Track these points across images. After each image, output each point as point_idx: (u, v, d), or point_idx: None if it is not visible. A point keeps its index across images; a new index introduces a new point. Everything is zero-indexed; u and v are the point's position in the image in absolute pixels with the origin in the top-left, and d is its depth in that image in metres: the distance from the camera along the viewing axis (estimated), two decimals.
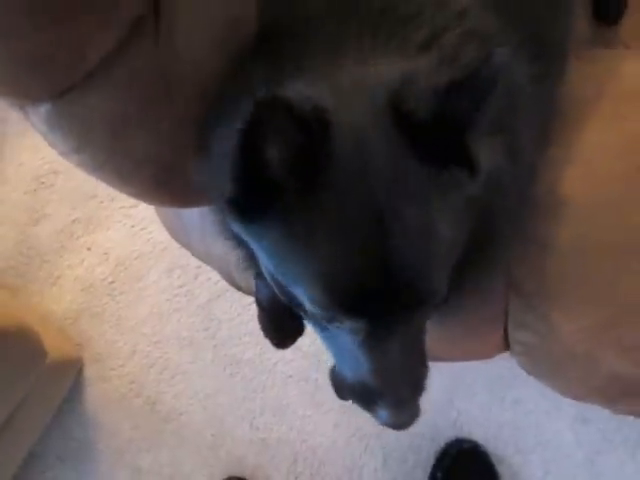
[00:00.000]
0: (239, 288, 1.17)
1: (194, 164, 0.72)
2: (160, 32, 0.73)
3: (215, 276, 1.68)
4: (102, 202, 1.84)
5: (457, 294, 0.78)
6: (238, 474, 1.63)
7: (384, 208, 0.58)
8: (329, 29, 0.69)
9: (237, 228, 0.66)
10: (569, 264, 0.88)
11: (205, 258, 1.20)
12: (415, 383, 0.67)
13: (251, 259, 0.77)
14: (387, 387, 0.65)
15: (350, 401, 1.04)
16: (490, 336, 1.01)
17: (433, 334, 0.98)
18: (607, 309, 0.88)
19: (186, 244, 1.20)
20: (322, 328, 0.68)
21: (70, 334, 1.73)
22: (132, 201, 1.80)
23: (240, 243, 0.76)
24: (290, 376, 1.65)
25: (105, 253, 1.80)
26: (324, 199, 0.58)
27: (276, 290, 0.70)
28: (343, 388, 0.73)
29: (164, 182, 0.83)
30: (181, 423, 1.66)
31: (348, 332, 0.64)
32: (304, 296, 0.63)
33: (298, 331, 1.08)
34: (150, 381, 1.70)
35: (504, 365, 1.50)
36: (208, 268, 1.66)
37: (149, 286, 1.76)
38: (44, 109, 0.72)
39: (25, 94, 0.72)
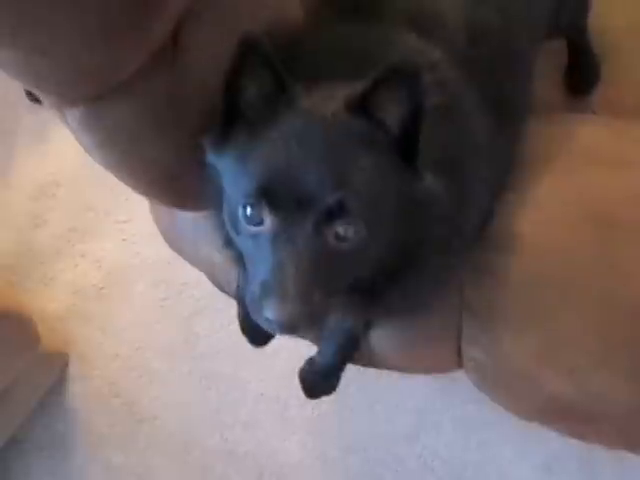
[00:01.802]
0: (222, 289, 1.25)
1: (196, 172, 0.84)
2: (176, 62, 0.87)
3: (198, 293, 1.81)
4: (98, 215, 1.94)
5: (412, 304, 0.93)
6: None
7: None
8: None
9: (212, 159, 0.80)
10: (517, 292, 1.01)
11: (194, 261, 1.29)
12: (305, 291, 0.70)
13: (237, 259, 0.88)
14: (278, 281, 0.70)
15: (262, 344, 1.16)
16: (444, 349, 1.11)
17: (391, 341, 1.11)
18: (549, 333, 1.00)
19: (178, 248, 1.30)
20: (247, 237, 0.76)
21: (57, 332, 1.81)
22: (125, 216, 1.92)
23: (228, 243, 0.87)
24: (262, 394, 1.71)
25: (97, 261, 1.90)
26: (272, 132, 0.75)
27: (229, 227, 0.80)
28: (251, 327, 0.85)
29: (169, 184, 0.96)
30: (155, 427, 1.73)
31: (265, 232, 0.74)
32: (243, 202, 0.75)
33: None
34: (129, 384, 1.77)
35: (473, 407, 1.58)
36: (192, 285, 1.81)
37: (135, 296, 1.85)
38: (78, 111, 0.85)
39: (68, 97, 0.84)
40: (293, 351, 1.66)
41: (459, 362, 1.11)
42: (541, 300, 1.00)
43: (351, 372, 1.18)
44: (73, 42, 0.77)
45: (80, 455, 1.74)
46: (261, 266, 0.73)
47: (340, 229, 0.72)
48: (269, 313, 0.70)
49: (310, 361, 1.23)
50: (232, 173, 0.78)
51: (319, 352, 1.20)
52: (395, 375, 1.47)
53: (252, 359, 1.74)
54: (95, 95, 0.84)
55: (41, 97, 0.88)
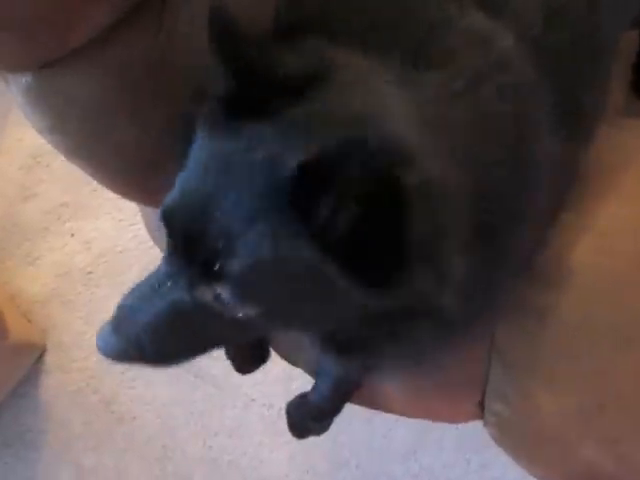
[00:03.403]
0: None
1: (174, 161, 0.68)
2: (163, 24, 0.71)
3: None
4: (95, 190, 1.82)
5: (414, 358, 0.76)
6: None
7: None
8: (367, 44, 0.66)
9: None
10: (564, 338, 0.84)
11: None
12: (140, 338, 0.64)
13: None
14: (122, 314, 0.65)
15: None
16: (463, 401, 0.97)
17: (401, 386, 0.96)
18: (596, 394, 0.83)
19: (160, 242, 1.16)
20: None
21: (36, 317, 1.71)
22: None
23: None
24: (253, 399, 1.62)
25: (88, 242, 1.79)
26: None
27: None
28: None
29: (143, 177, 0.81)
30: (133, 427, 1.63)
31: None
32: None
33: (262, 358, 1.08)
34: (110, 380, 1.67)
35: (476, 426, 1.48)
36: None
37: (127, 283, 1.65)
38: (25, 80, 0.70)
39: (8, 60, 0.69)
40: None
41: (478, 414, 0.97)
42: (592, 351, 0.83)
43: None
44: None
45: (50, 454, 1.64)
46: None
47: (221, 292, 0.59)
48: (98, 335, 0.66)
49: (301, 397, 1.13)
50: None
51: (313, 389, 1.09)
52: None
53: None
54: (46, 58, 0.69)
55: None
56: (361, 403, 1.06)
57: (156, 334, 0.63)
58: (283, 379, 1.61)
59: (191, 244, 0.58)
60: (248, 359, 1.10)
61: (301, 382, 1.60)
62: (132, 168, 0.80)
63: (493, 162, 0.64)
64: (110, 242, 1.78)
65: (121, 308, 0.65)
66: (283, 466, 1.58)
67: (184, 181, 0.60)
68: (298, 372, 1.58)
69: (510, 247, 0.70)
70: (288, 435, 1.58)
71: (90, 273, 1.76)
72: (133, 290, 0.66)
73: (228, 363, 1.62)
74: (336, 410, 1.07)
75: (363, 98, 0.59)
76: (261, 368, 1.59)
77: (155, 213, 1.07)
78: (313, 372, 1.07)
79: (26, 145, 1.89)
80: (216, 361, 1.61)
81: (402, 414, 1.07)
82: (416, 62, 0.63)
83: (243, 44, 0.56)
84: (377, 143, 0.52)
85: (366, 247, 0.51)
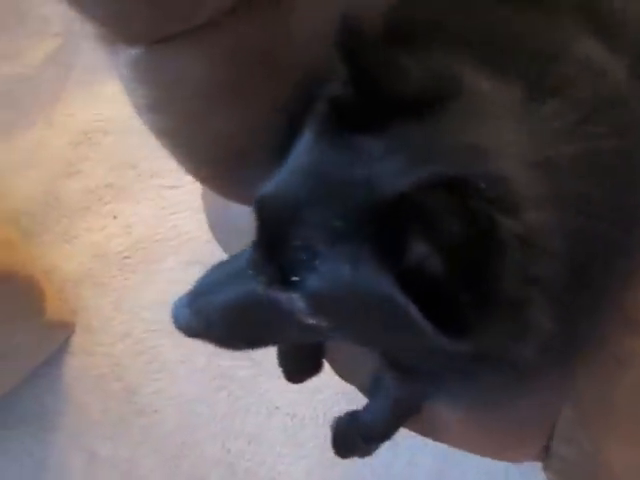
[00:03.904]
0: None
1: (268, 157, 0.66)
2: (280, 14, 0.67)
3: None
4: (140, 175, 1.81)
5: (502, 391, 0.72)
6: None
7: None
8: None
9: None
10: None
11: None
12: (212, 321, 0.67)
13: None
14: (202, 290, 0.68)
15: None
16: (528, 442, 0.92)
17: (463, 418, 0.92)
18: None
19: (222, 241, 1.15)
20: None
21: (67, 297, 1.68)
22: (171, 182, 1.78)
23: None
24: (277, 407, 1.58)
25: (128, 226, 1.77)
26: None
27: None
28: None
29: (230, 167, 0.78)
30: (152, 421, 1.60)
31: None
32: None
33: (315, 368, 1.06)
34: (134, 369, 1.64)
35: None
36: None
37: (162, 272, 1.72)
38: (135, 52, 0.67)
39: (131, 29, 0.65)
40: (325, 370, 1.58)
41: (540, 457, 0.91)
42: None
43: None
44: None
45: (64, 438, 1.61)
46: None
47: (296, 300, 0.59)
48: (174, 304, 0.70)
49: (352, 415, 1.10)
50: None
51: (367, 408, 1.06)
52: None
53: (274, 367, 1.58)
54: (164, 32, 0.65)
55: (91, 25, 0.67)
56: (415, 428, 1.02)
57: (225, 317, 0.66)
58: (309, 390, 1.57)
59: (275, 242, 0.57)
60: (300, 368, 1.09)
61: (327, 395, 1.58)
62: (222, 156, 0.76)
63: (601, 205, 0.60)
64: (150, 229, 1.76)
65: (200, 284, 0.69)
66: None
67: (282, 177, 0.58)
68: (325, 384, 1.55)
69: (604, 297, 0.66)
70: (308, 448, 1.57)
71: (126, 258, 1.73)
72: (214, 268, 0.69)
73: (257, 367, 1.61)
74: (388, 433, 1.04)
75: (482, 129, 0.55)
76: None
77: (222, 210, 1.09)
78: (367, 391, 1.04)
79: (77, 121, 1.88)
80: (244, 363, 1.62)
81: (458, 446, 1.03)
82: (533, 91, 0.59)
83: (370, 53, 0.53)
84: (486, 184, 0.49)
85: (452, 294, 0.47)
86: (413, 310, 0.48)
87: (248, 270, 0.62)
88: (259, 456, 1.55)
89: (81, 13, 0.64)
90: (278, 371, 1.57)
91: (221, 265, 0.68)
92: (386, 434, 1.04)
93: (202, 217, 1.71)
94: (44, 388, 1.63)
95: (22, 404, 1.62)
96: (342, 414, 1.15)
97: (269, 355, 1.58)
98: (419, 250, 0.47)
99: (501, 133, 0.55)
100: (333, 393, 1.57)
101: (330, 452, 1.51)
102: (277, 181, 0.59)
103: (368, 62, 0.53)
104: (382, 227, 0.49)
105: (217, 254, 1.63)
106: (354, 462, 1.51)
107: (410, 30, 0.64)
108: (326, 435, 1.49)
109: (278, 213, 0.57)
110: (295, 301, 0.58)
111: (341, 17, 0.53)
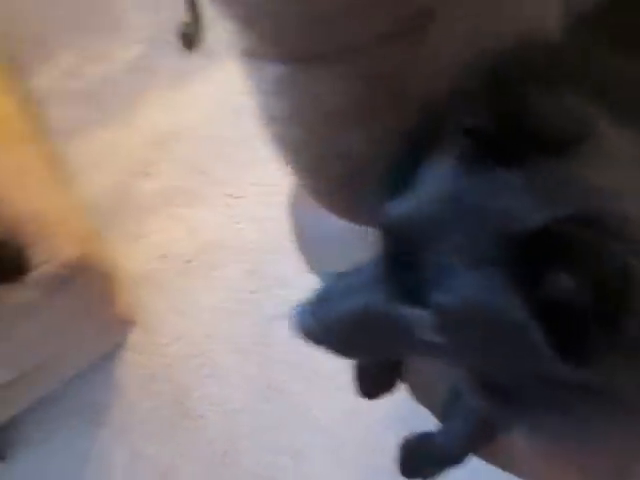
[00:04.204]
0: None
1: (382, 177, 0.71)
2: (426, 41, 0.70)
3: (289, 294, 1.68)
4: (209, 182, 1.87)
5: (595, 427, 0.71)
6: None
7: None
8: None
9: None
10: None
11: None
12: (332, 328, 0.69)
13: None
14: (326, 297, 0.69)
15: None
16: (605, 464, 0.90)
17: (545, 451, 0.91)
18: None
19: (307, 252, 1.20)
20: None
21: (129, 294, 1.72)
22: (238, 192, 1.84)
23: None
24: (321, 426, 1.59)
25: (194, 231, 1.82)
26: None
27: None
28: None
29: (346, 183, 0.81)
30: (197, 425, 1.62)
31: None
32: None
33: (389, 386, 1.08)
34: (185, 371, 1.67)
35: None
36: (285, 284, 1.70)
37: (222, 279, 1.75)
38: (281, 68, 0.71)
39: (280, 48, 0.70)
40: None
41: None
42: None
43: None
44: None
45: (108, 433, 1.65)
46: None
47: (420, 316, 0.61)
48: (297, 309, 0.71)
49: (423, 437, 1.12)
50: None
51: (442, 431, 1.07)
52: None
53: (324, 385, 1.63)
54: (315, 54, 0.69)
55: (239, 38, 0.72)
56: (488, 457, 1.02)
57: (344, 327, 0.68)
58: (354, 412, 1.58)
59: (407, 260, 0.60)
60: (375, 385, 1.10)
61: (372, 419, 1.58)
62: (342, 172, 0.79)
63: None
64: (214, 236, 1.80)
65: (322, 292, 0.70)
66: None
67: (417, 198, 0.61)
68: (370, 408, 1.54)
69: None
70: (349, 471, 1.57)
71: (189, 262, 1.77)
72: (336, 279, 0.70)
73: (306, 383, 1.61)
74: (460, 458, 1.04)
75: (609, 172, 0.57)
76: (336, 396, 1.60)
77: (311, 222, 1.12)
78: (441, 415, 1.05)
79: (153, 125, 1.96)
80: (293, 379, 1.63)
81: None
82: None
83: (513, 92, 0.57)
84: (623, 226, 0.52)
85: (585, 325, 0.50)
86: (540, 335, 0.52)
87: (371, 283, 0.64)
88: (300, 473, 1.56)
89: (242, 26, 0.68)
90: (325, 390, 1.62)
91: (342, 276, 0.70)
92: (459, 458, 1.05)
93: (265, 228, 1.76)
94: (96, 382, 1.67)
95: (73, 396, 1.66)
96: (411, 435, 1.16)
97: (318, 373, 1.62)
98: (559, 281, 0.49)
99: (626, 178, 0.57)
100: (378, 418, 1.57)
101: (373, 476, 1.53)
102: (411, 202, 0.61)
103: (511, 100, 0.56)
104: (520, 255, 0.52)
105: (276, 267, 1.70)
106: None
107: (540, 70, 0.67)
108: (370, 457, 1.54)
109: (411, 233, 0.59)
110: (421, 317, 0.59)
111: (482, 53, 0.57)
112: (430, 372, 0.97)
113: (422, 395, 1.07)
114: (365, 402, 1.48)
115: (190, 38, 2.05)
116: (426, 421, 1.46)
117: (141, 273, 1.75)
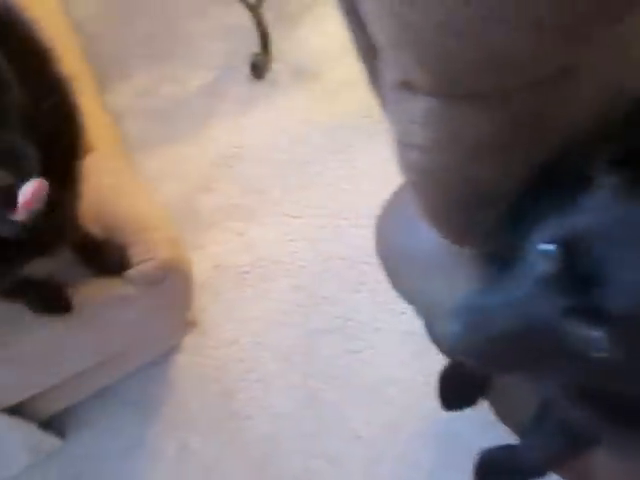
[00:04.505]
0: (434, 337, 1.18)
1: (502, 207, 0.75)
2: (573, 82, 0.75)
3: (334, 312, 1.80)
4: (267, 201, 1.98)
5: None
6: None
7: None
8: None
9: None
10: None
11: (408, 294, 1.20)
12: (481, 340, 0.66)
13: None
14: (475, 311, 0.67)
15: None
16: None
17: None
18: None
19: (391, 270, 1.21)
20: None
21: None
22: (294, 212, 1.95)
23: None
24: (359, 436, 1.65)
25: (250, 245, 1.92)
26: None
27: None
28: None
29: (470, 210, 0.85)
30: (243, 426, 1.69)
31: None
32: None
33: (473, 399, 1.15)
34: (234, 374, 1.75)
35: None
36: (331, 302, 1.81)
37: (274, 292, 1.85)
38: (432, 103, 0.76)
39: (445, 87, 0.74)
40: (408, 404, 1.66)
41: None
42: None
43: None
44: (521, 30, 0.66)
45: (161, 425, 1.73)
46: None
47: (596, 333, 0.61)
48: (446, 321, 0.69)
49: (507, 448, 1.17)
50: None
51: (525, 444, 1.11)
52: None
53: (362, 399, 1.70)
54: (470, 92, 0.74)
55: (400, 70, 0.78)
56: (565, 472, 1.06)
57: (500, 343, 0.66)
58: (391, 426, 1.64)
59: (582, 277, 0.60)
60: (458, 398, 1.18)
61: (408, 434, 1.63)
62: (468, 200, 0.84)
63: None
64: (269, 251, 1.90)
65: (474, 306, 0.68)
66: None
67: (587, 221, 0.63)
68: (406, 423, 1.60)
69: None
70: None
71: (245, 273, 1.87)
72: (485, 294, 0.69)
73: (346, 395, 1.71)
74: (540, 473, 1.08)
75: None
76: (374, 409, 1.68)
77: (398, 241, 1.17)
78: (521, 431, 1.09)
79: (219, 145, 2.08)
80: (333, 388, 1.71)
81: None
82: None
83: None
84: None
85: None
86: None
87: (536, 298, 0.63)
88: (336, 479, 1.62)
89: (412, 62, 0.73)
90: (365, 401, 1.69)
91: (491, 291, 0.69)
92: (540, 473, 1.08)
93: (317, 248, 1.88)
94: (151, 378, 1.76)
95: (131, 388, 1.75)
96: (493, 446, 1.19)
97: (359, 386, 1.70)
98: None
99: None
100: (414, 433, 1.63)
101: None
102: (582, 224, 0.62)
103: None
104: None
105: (323, 285, 1.82)
106: None
107: None
108: (404, 471, 1.59)
109: (592, 249, 0.60)
110: (594, 336, 0.60)
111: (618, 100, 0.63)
112: (515, 389, 0.99)
113: (504, 413, 1.12)
114: (404, 417, 1.55)
115: (258, 68, 2.18)
116: (465, 439, 1.53)
117: (198, 281, 1.81)
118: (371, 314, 1.80)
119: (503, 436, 1.32)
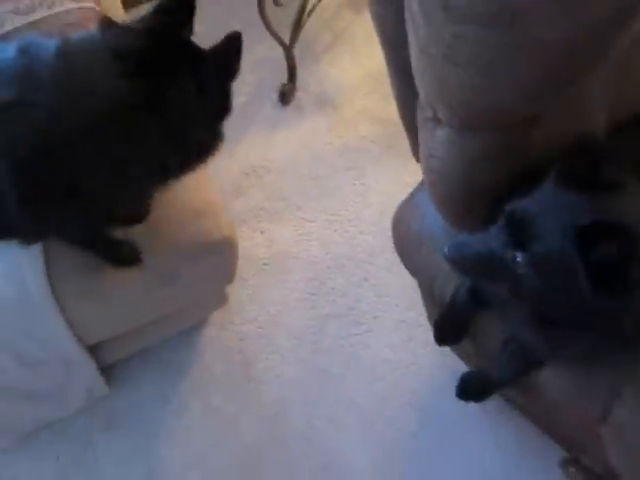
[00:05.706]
0: (431, 295, 1.47)
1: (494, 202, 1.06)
2: (538, 127, 1.07)
3: (341, 301, 2.02)
4: (288, 206, 2.22)
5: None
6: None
7: None
8: None
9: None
10: None
11: (413, 266, 1.50)
12: (467, 265, 1.05)
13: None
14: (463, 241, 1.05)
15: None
16: (594, 400, 1.21)
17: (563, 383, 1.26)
18: None
19: (403, 250, 1.51)
20: None
21: None
22: (310, 217, 2.19)
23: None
24: (355, 403, 1.86)
25: (271, 241, 2.15)
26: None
27: None
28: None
29: (473, 203, 1.17)
30: (259, 390, 1.89)
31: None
32: None
33: (459, 337, 1.42)
34: (254, 347, 1.96)
35: None
36: (339, 293, 2.02)
37: (289, 281, 2.08)
38: (452, 132, 1.08)
39: (465, 124, 1.06)
40: (398, 380, 1.88)
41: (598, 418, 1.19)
42: None
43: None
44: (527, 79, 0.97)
45: (189, 384, 1.91)
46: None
47: (518, 257, 0.96)
48: (449, 245, 1.03)
49: (480, 370, 1.44)
50: None
51: (492, 367, 1.39)
52: None
53: (360, 373, 1.91)
54: (478, 126, 1.06)
55: (428, 110, 1.09)
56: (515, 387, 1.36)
57: (474, 260, 1.01)
58: (383, 396, 1.85)
59: (519, 229, 0.95)
60: (448, 334, 1.43)
61: (398, 403, 1.83)
62: (470, 195, 1.15)
63: None
64: (287, 247, 2.13)
65: (462, 240, 1.03)
66: (362, 464, 1.78)
67: (530, 203, 0.97)
68: (396, 394, 1.82)
69: None
70: (374, 443, 1.79)
71: (265, 265, 2.10)
72: (469, 235, 1.04)
73: (346, 367, 1.90)
74: (501, 387, 1.40)
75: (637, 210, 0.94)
76: (369, 381, 1.88)
77: (410, 231, 1.47)
78: (491, 359, 1.37)
79: (250, 158, 2.33)
80: (337, 364, 1.91)
81: (539, 418, 1.42)
82: None
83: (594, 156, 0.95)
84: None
85: (615, 272, 0.86)
86: (583, 276, 0.87)
87: (494, 239, 0.98)
88: (335, 437, 1.83)
89: (443, 105, 1.04)
90: (362, 375, 1.89)
91: (473, 235, 1.04)
92: (502, 385, 1.38)
93: (328, 248, 2.10)
94: (184, 344, 1.96)
95: (165, 351, 1.95)
96: (470, 370, 1.47)
97: (359, 363, 1.91)
98: (605, 246, 0.85)
99: None
100: (402, 404, 1.85)
101: (390, 449, 1.78)
102: (525, 204, 0.97)
103: (590, 160, 0.94)
104: (581, 235, 0.87)
105: (332, 278, 2.08)
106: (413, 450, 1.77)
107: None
108: (390, 435, 1.80)
109: (525, 217, 0.95)
110: (522, 257, 0.94)
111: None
112: (491, 327, 1.31)
113: (480, 345, 1.40)
114: (395, 390, 1.77)
115: (285, 95, 2.42)
116: (444, 408, 1.77)
117: None
118: (371, 304, 2.02)
119: (477, 406, 1.58)
